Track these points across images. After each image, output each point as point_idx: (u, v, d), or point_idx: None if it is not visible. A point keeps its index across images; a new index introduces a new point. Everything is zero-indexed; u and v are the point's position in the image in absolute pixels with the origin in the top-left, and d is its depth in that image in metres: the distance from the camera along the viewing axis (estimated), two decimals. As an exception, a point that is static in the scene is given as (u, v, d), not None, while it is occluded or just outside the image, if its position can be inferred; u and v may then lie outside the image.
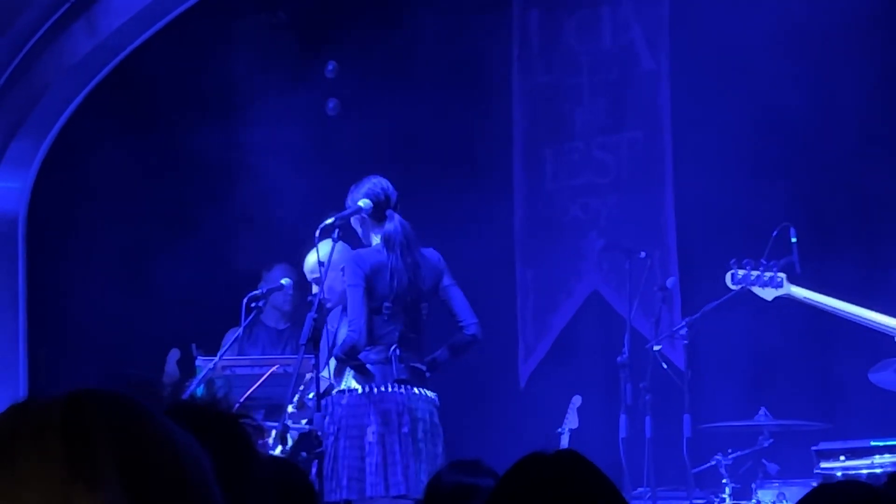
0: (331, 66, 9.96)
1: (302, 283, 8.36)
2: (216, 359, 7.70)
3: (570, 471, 2.47)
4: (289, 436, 7.17)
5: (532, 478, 2.45)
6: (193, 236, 9.63)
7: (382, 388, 7.15)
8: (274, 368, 7.81)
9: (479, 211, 9.67)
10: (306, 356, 7.04)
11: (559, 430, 8.24)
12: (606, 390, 8.41)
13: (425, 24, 9.89)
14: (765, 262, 7.13)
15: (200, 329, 9.09)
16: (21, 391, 9.25)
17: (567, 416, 8.30)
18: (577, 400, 8.40)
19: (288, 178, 9.35)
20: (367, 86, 9.83)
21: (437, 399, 7.33)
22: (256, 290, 8.02)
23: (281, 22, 9.97)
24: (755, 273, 7.14)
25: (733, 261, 7.13)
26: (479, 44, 9.97)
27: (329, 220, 7.13)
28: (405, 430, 7.09)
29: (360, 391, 7.16)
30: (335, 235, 7.14)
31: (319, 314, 7.01)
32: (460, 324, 7.43)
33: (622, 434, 7.64)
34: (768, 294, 7.16)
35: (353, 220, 7.36)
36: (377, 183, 7.35)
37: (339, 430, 7.12)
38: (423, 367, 7.33)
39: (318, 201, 8.47)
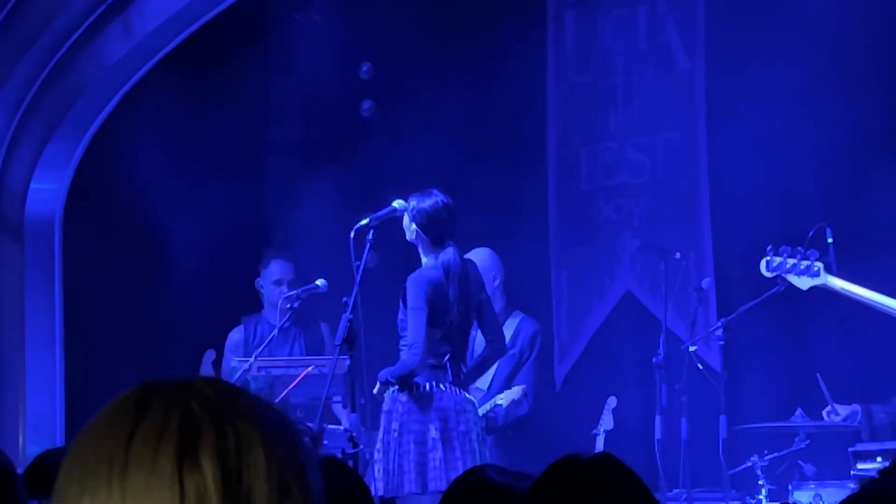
0: (365, 67, 9.97)
1: (295, 280, 8.41)
2: (251, 360, 7.73)
3: (606, 474, 2.46)
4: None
5: (567, 480, 2.45)
6: (228, 237, 9.65)
7: (442, 387, 7.25)
8: (309, 369, 7.84)
9: (513, 211, 9.66)
10: (341, 357, 7.06)
11: (594, 431, 8.23)
12: (642, 391, 8.39)
13: (460, 24, 9.89)
14: (802, 251, 6.93)
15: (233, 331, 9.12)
16: (57, 391, 9.29)
17: (602, 417, 8.29)
18: (612, 401, 8.38)
19: (322, 180, 9.36)
20: (402, 87, 9.83)
21: (475, 402, 7.46)
22: (291, 291, 8.05)
23: (315, 23, 9.98)
24: (791, 261, 6.90)
25: (769, 247, 6.94)
26: (514, 44, 9.96)
27: (364, 221, 7.15)
28: (462, 428, 7.19)
29: (419, 388, 7.25)
30: (369, 236, 7.15)
31: (355, 315, 7.02)
32: (488, 338, 7.53)
33: (658, 435, 7.62)
34: (804, 283, 6.92)
35: (408, 232, 7.40)
36: (440, 200, 7.38)
37: (401, 426, 7.20)
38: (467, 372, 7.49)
39: (353, 202, 8.49)
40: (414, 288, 7.31)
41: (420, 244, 7.44)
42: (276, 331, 7.70)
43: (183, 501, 1.27)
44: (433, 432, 7.16)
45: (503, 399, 8.22)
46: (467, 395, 7.37)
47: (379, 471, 7.22)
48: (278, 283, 8.65)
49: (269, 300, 8.72)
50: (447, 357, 7.30)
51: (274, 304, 8.51)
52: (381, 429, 7.29)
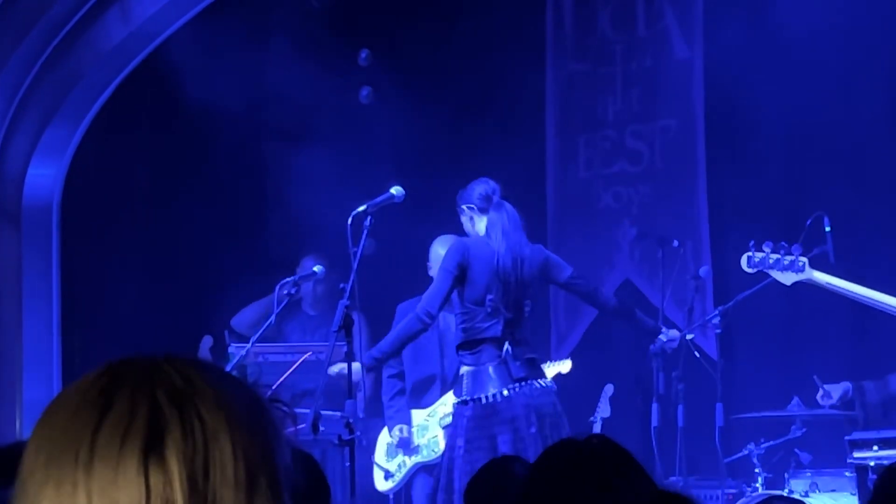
0: (364, 54, 9.96)
1: (331, 270, 8.39)
2: (249, 345, 7.74)
3: (601, 455, 2.47)
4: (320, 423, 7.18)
5: (565, 461, 2.46)
6: (226, 223, 9.65)
7: (506, 393, 7.01)
8: (307, 356, 7.84)
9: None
10: (338, 343, 7.05)
11: (591, 418, 8.23)
12: (639, 379, 8.40)
13: (459, 12, 9.88)
14: (785, 245, 6.71)
15: (233, 316, 9.11)
16: (55, 376, 9.29)
17: (599, 405, 8.29)
18: (609, 389, 8.38)
19: (321, 166, 9.36)
20: (400, 74, 9.83)
21: (553, 385, 7.21)
22: (289, 277, 8.05)
23: (314, 10, 9.97)
24: (774, 256, 6.69)
25: (752, 242, 6.74)
26: (512, 32, 9.95)
27: (361, 208, 7.12)
28: (533, 430, 6.94)
29: (483, 400, 7.01)
30: (367, 223, 7.13)
31: (352, 301, 7.01)
32: (601, 300, 7.49)
33: (654, 423, 7.62)
34: (787, 279, 6.72)
35: (464, 222, 7.38)
36: (480, 182, 7.39)
37: (466, 441, 6.96)
38: (536, 356, 7.23)
39: (351, 188, 8.48)
40: (450, 251, 7.22)
41: (473, 226, 7.35)
42: (272, 317, 7.69)
43: (149, 499, 1.26)
44: (502, 445, 6.87)
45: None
46: (539, 383, 7.08)
47: (440, 490, 7.02)
48: (306, 279, 8.64)
49: (303, 292, 8.77)
50: (506, 348, 7.04)
51: (305, 294, 8.79)
52: (447, 444, 7.15)
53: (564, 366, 8.08)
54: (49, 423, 1.32)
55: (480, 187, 7.35)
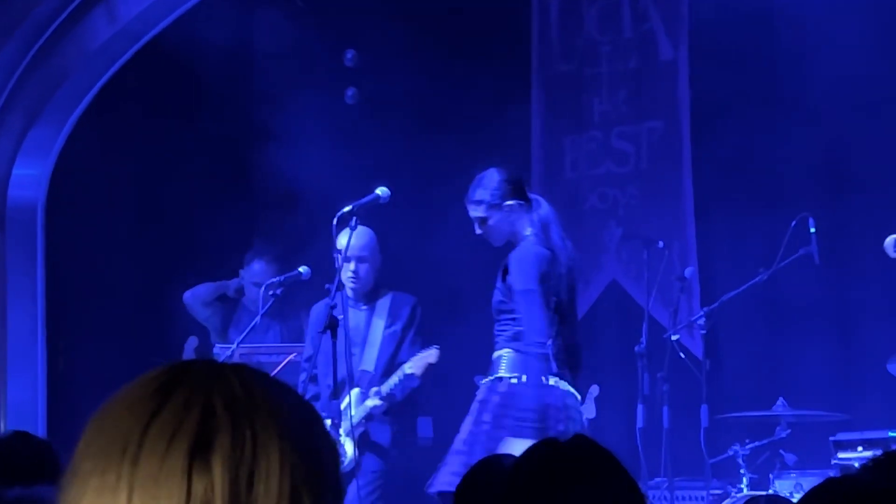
0: (349, 54, 9.96)
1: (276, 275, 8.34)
2: (234, 346, 7.73)
3: (582, 456, 2.47)
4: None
5: (545, 463, 2.45)
6: (213, 223, 9.63)
7: (547, 382, 6.66)
8: (292, 356, 7.84)
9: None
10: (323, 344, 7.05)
11: (576, 419, 8.23)
12: (624, 380, 8.40)
13: (444, 12, 9.88)
14: None
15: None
16: (39, 377, 9.28)
17: (585, 405, 8.29)
18: (594, 389, 8.39)
19: (307, 167, 9.36)
20: (386, 74, 9.82)
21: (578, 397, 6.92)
22: (275, 278, 8.05)
23: (299, 10, 9.96)
24: None
25: None
26: (498, 33, 9.95)
27: (346, 209, 7.11)
28: (560, 427, 6.60)
29: (522, 380, 6.67)
30: (353, 223, 7.12)
31: (336, 302, 7.01)
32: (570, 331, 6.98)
33: (639, 424, 7.63)
34: None
35: (499, 218, 6.81)
36: (502, 171, 6.91)
37: (494, 418, 6.65)
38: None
39: (337, 190, 8.48)
40: (527, 265, 6.64)
41: (513, 220, 6.84)
42: (258, 318, 7.69)
43: (189, 501, 1.27)
44: (527, 432, 6.47)
45: (412, 367, 7.50)
46: (571, 388, 6.77)
47: (456, 464, 6.55)
48: (257, 285, 8.57)
49: (249, 297, 8.76)
50: (549, 343, 6.65)
51: (253, 300, 8.51)
52: (471, 420, 6.73)
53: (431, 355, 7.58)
54: (103, 416, 1.33)
55: (501, 177, 6.83)
